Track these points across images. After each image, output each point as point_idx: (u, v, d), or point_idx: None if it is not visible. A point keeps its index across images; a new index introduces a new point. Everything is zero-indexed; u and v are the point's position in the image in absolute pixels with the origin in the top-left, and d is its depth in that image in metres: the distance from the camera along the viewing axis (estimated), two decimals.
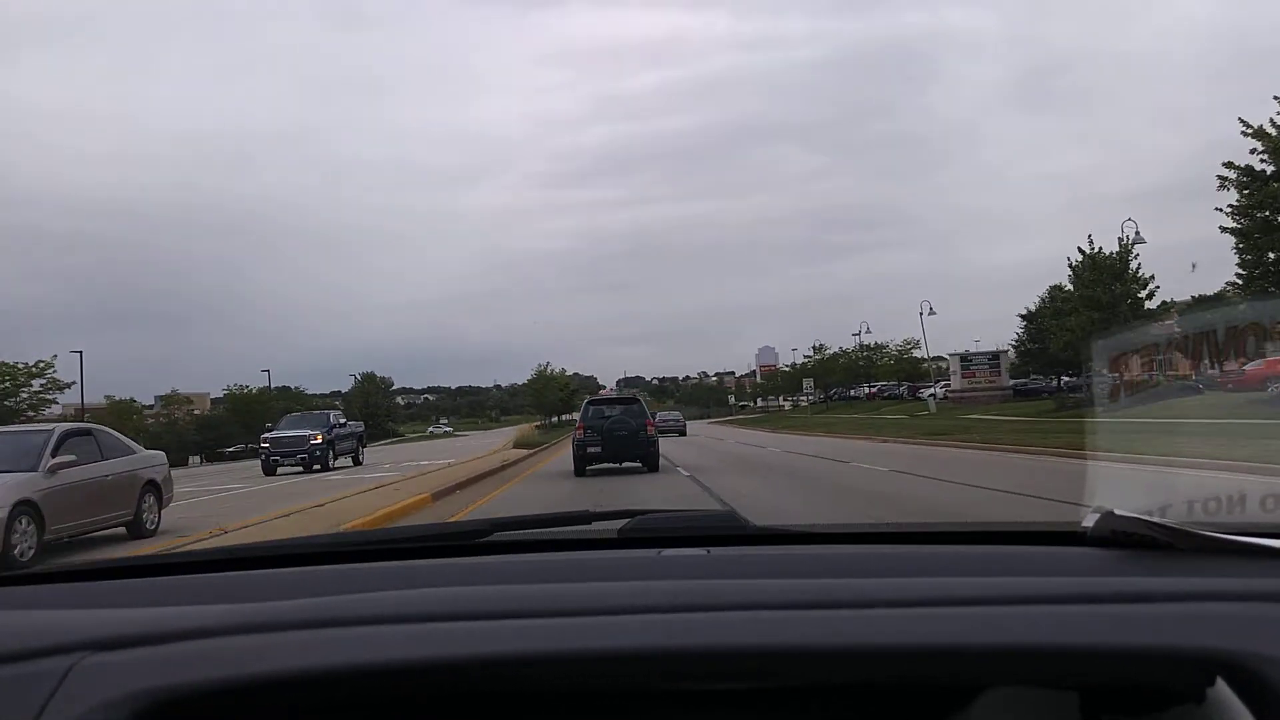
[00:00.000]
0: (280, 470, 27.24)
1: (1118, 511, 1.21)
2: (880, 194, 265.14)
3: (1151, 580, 1.05)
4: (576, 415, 22.88)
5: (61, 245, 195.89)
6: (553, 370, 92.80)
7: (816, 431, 42.09)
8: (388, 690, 0.92)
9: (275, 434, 29.18)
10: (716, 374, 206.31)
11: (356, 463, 30.39)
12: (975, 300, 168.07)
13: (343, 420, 31.50)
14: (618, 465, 19.45)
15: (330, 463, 28.08)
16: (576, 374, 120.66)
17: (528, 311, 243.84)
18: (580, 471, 19.15)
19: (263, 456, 28.38)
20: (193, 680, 0.89)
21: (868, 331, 76.78)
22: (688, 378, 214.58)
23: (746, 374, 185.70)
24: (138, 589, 1.29)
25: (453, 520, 10.08)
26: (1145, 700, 0.99)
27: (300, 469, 27.32)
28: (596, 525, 1.63)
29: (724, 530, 1.57)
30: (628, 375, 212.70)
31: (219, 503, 17.49)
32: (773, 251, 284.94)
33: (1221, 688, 0.91)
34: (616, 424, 19.36)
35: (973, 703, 1.03)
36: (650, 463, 19.32)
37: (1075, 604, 0.99)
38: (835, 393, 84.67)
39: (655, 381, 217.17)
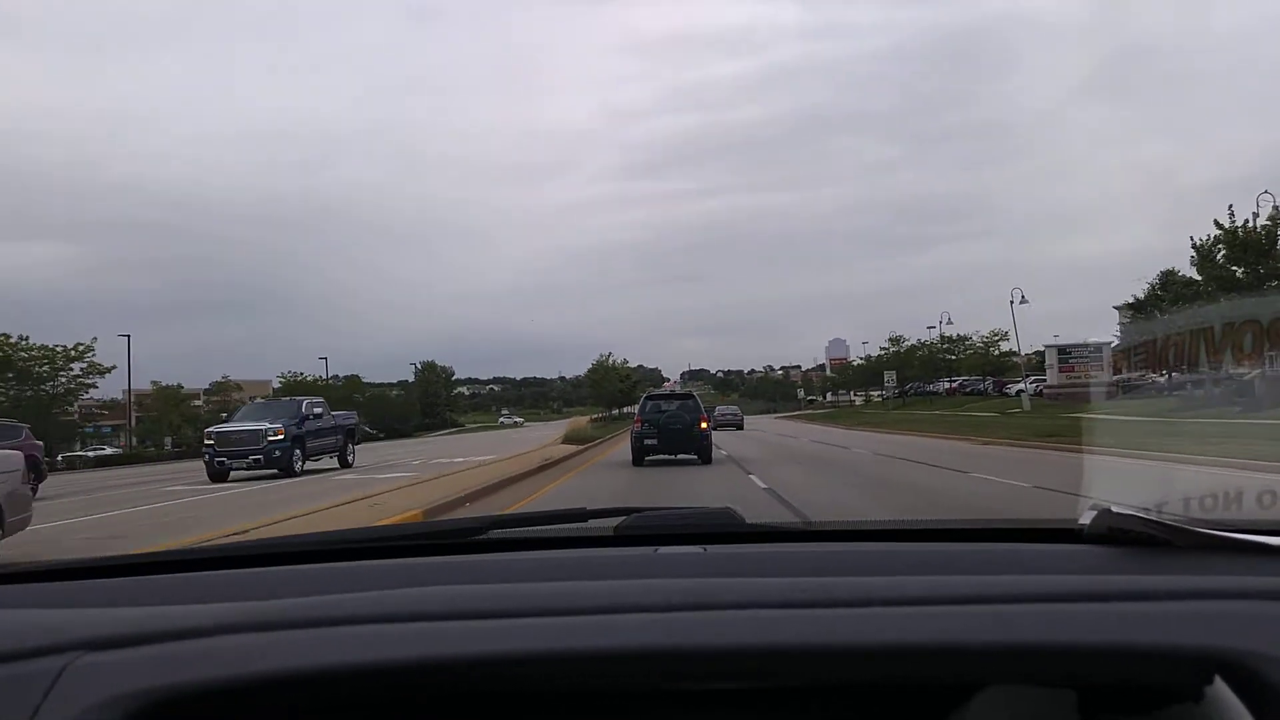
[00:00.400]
0: (237, 474, 21.42)
1: (1114, 508, 1.20)
2: (953, 186, 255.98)
3: (1149, 578, 1.05)
4: (636, 407, 23.03)
5: (141, 236, 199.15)
6: (615, 362, 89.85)
7: (898, 429, 37.95)
8: (386, 690, 0.91)
9: (223, 427, 22.79)
10: (782, 367, 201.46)
11: (343, 464, 24.61)
12: (1052, 294, 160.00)
13: (319, 410, 24.29)
14: (673, 457, 20.03)
15: (296, 465, 21.87)
16: (640, 366, 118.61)
17: (595, 303, 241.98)
18: (638, 461, 19.92)
19: (206, 456, 21.95)
20: (189, 680, 0.88)
21: (949, 322, 71.46)
22: (753, 371, 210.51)
23: (813, 368, 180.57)
24: (133, 588, 1.27)
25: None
26: (1143, 699, 0.98)
27: (275, 471, 21.44)
28: (593, 523, 1.62)
29: (720, 528, 1.54)
30: (692, 368, 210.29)
31: (118, 522, 13.34)
32: (842, 244, 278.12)
33: (1220, 686, 0.90)
34: (672, 418, 19.90)
35: (970, 702, 1.02)
36: (703, 455, 19.98)
37: (1072, 602, 0.99)
38: (912, 387, 79.06)
39: (720, 374, 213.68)
